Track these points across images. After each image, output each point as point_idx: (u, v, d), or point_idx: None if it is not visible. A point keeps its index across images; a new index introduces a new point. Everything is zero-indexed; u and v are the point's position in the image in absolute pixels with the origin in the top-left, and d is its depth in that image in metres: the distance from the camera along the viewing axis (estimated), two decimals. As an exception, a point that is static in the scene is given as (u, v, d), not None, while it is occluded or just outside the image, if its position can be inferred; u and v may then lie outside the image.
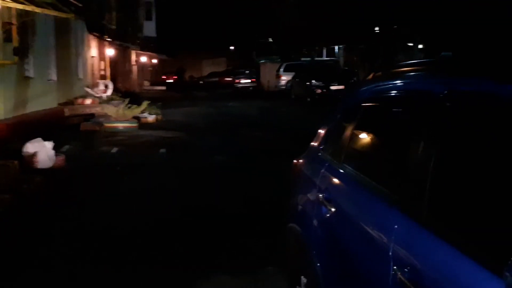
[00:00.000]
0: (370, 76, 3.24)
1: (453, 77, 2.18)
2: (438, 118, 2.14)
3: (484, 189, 1.80)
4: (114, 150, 11.60)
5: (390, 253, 2.13)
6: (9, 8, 11.91)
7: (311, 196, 3.24)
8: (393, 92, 2.76)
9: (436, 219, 1.98)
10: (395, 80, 2.79)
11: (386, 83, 2.91)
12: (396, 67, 2.97)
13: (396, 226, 2.17)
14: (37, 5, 12.48)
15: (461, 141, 2.03)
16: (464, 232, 1.80)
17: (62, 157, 9.58)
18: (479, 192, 1.82)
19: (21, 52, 12.84)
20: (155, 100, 19.97)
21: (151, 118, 16.96)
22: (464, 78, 2.11)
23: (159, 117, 17.54)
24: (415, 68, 2.73)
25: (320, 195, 3.04)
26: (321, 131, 3.61)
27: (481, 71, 2.06)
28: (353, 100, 3.29)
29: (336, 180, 3.05)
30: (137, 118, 16.10)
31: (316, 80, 24.54)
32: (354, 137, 3.07)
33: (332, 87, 22.66)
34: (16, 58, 12.33)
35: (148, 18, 44.22)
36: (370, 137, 3.02)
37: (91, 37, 23.28)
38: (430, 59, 3.11)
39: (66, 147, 11.37)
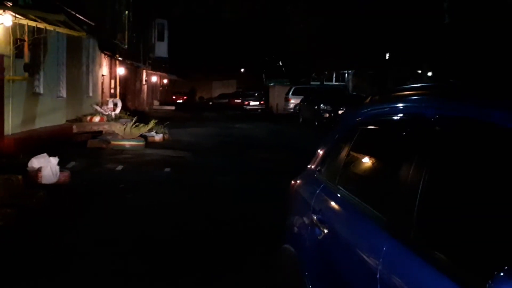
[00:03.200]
0: (368, 100, 3.27)
1: (443, 102, 2.21)
2: (428, 141, 2.16)
3: (471, 213, 1.81)
4: (119, 167, 11.64)
5: (378, 276, 2.13)
6: (21, 25, 12.10)
7: (305, 217, 3.24)
8: (389, 115, 2.78)
9: (423, 241, 1.99)
10: (391, 104, 2.82)
11: (382, 106, 2.94)
12: (393, 91, 3.00)
13: (384, 248, 2.18)
14: (49, 23, 12.67)
15: (450, 165, 2.05)
16: (449, 255, 1.80)
17: (66, 173, 9.63)
18: (466, 215, 1.83)
19: (32, 69, 13.01)
20: (164, 120, 20.06)
21: (158, 137, 17.02)
22: (453, 103, 2.13)
23: (166, 136, 17.60)
24: (410, 92, 2.75)
25: (314, 217, 3.05)
26: (319, 152, 3.63)
27: (469, 97, 2.08)
28: (350, 122, 3.31)
29: (329, 202, 3.05)
30: (144, 137, 16.17)
31: (324, 104, 24.60)
32: (349, 159, 3.08)
33: (340, 112, 22.67)
34: (26, 74, 12.48)
35: (160, 38, 44.65)
36: (364, 159, 3.03)
37: (102, 55, 23.53)
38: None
39: (72, 163, 11.43)
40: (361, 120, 3.11)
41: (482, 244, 1.67)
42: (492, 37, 18.93)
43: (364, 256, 2.35)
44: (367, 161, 3.00)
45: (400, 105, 2.68)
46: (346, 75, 38.04)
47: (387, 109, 2.83)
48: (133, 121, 16.80)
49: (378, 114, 2.93)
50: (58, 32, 14.14)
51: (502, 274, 1.45)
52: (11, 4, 11.10)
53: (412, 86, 2.90)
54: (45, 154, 9.32)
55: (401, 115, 2.63)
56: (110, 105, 20.22)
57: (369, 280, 2.18)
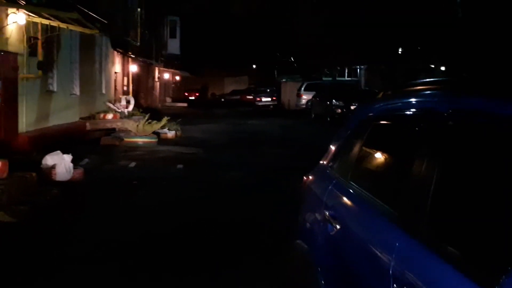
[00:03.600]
0: (380, 95, 3.25)
1: (456, 96, 2.19)
2: (441, 136, 2.14)
3: (484, 208, 1.80)
4: (132, 164, 11.70)
5: (390, 271, 2.12)
6: (35, 23, 12.19)
7: (317, 213, 3.24)
8: (401, 111, 2.76)
9: (436, 237, 1.98)
10: (403, 99, 2.80)
11: (394, 101, 2.93)
12: (406, 86, 2.98)
13: (397, 244, 2.17)
14: (62, 21, 12.76)
15: (463, 159, 2.03)
16: (462, 250, 1.79)
17: (80, 170, 9.69)
18: (479, 210, 1.81)
19: (45, 66, 13.11)
20: (176, 117, 20.13)
21: (170, 134, 17.09)
22: (466, 97, 2.11)
23: (179, 133, 17.66)
24: (423, 87, 2.73)
25: (326, 212, 3.04)
26: (331, 148, 3.61)
27: (482, 91, 2.06)
28: (363, 117, 3.29)
29: (342, 198, 3.04)
30: (156, 133, 16.24)
31: (336, 100, 24.53)
32: (361, 155, 3.07)
33: (352, 107, 22.58)
34: (40, 72, 12.58)
35: (172, 36, 44.75)
36: (376, 154, 3.02)
37: (115, 53, 23.64)
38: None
39: (85, 160, 11.51)
40: (374, 116, 3.09)
41: (495, 240, 1.66)
42: (505, 31, 18.74)
43: (377, 252, 2.34)
44: (379, 156, 2.99)
45: (413, 100, 2.66)
46: (358, 70, 37.87)
47: (400, 104, 2.82)
48: (146, 118, 16.88)
49: (390, 109, 2.91)
50: (71, 30, 14.24)
51: (516, 269, 1.43)
52: (24, 3, 11.18)
53: (425, 81, 2.88)
54: (59, 152, 9.39)
55: (414, 110, 2.61)
56: (123, 102, 20.34)
57: (382, 276, 2.17)
